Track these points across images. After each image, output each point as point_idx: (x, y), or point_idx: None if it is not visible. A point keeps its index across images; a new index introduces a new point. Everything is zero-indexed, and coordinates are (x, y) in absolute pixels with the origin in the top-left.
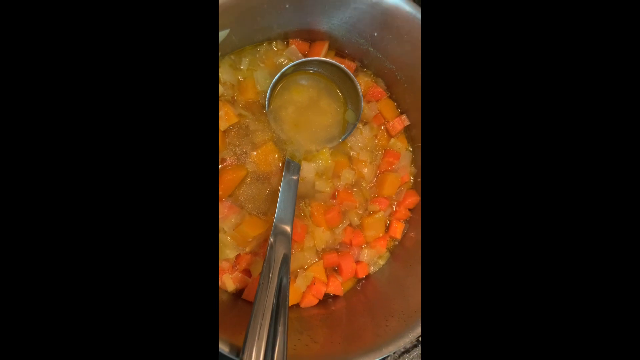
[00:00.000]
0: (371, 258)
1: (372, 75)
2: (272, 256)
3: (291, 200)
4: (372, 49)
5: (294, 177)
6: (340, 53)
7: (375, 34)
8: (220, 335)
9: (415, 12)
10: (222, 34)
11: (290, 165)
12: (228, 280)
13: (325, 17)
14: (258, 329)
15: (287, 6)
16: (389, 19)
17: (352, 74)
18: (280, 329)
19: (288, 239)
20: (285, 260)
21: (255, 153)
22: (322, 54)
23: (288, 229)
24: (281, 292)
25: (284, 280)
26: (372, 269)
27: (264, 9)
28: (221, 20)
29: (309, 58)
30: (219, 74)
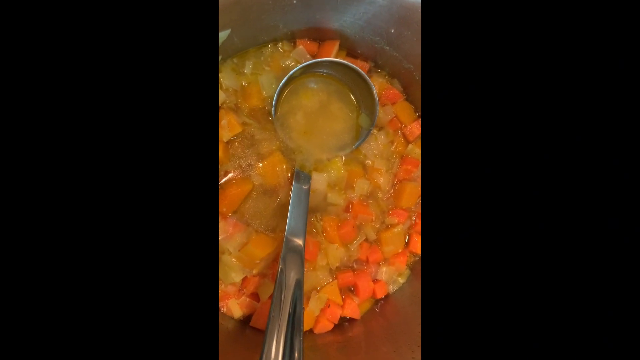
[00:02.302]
0: (390, 276)
1: (386, 76)
2: (283, 280)
3: (303, 210)
4: (387, 48)
5: (305, 187)
6: (352, 53)
7: (392, 31)
8: None
9: None
10: (222, 35)
11: (300, 176)
12: (234, 306)
13: (337, 14)
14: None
15: (294, 2)
16: (408, 13)
17: (366, 76)
18: (296, 354)
19: (300, 257)
20: (299, 284)
21: (261, 164)
22: (332, 55)
23: (300, 242)
24: (295, 321)
25: (298, 307)
26: (392, 288)
27: (268, 5)
28: (221, 20)
29: (319, 59)
30: (220, 80)
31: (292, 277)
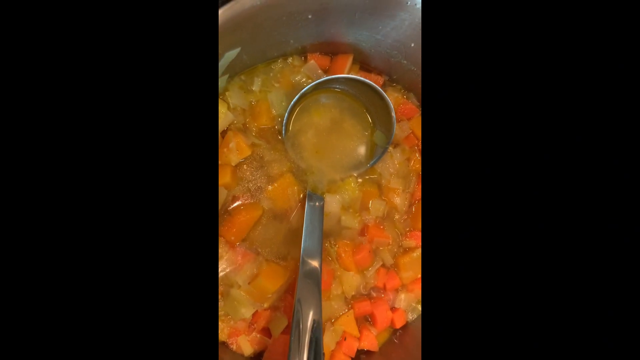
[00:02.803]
0: (409, 304)
1: (402, 90)
2: (300, 319)
3: (318, 231)
4: (405, 62)
5: (317, 204)
6: (365, 67)
7: (412, 45)
8: None
9: None
10: (232, 54)
11: (313, 198)
12: (244, 343)
13: (353, 28)
14: None
15: (309, 16)
16: None
17: (384, 93)
18: None
19: (318, 286)
20: (317, 325)
21: (271, 187)
22: (345, 70)
23: (317, 266)
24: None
25: (318, 342)
26: (411, 317)
27: (282, 21)
28: (232, 38)
29: (333, 76)
30: (228, 99)
31: (309, 317)
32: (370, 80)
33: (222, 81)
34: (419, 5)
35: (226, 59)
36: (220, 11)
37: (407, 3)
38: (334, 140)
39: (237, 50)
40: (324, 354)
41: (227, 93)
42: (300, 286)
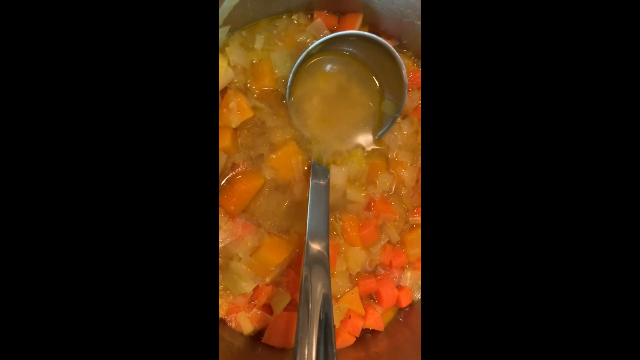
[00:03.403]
0: (415, 282)
1: (412, 57)
2: (309, 290)
3: (323, 209)
4: (418, 22)
5: (322, 182)
6: (374, 29)
7: None
8: None
9: None
10: (231, 1)
11: (318, 170)
12: (244, 321)
13: None
14: None
15: None
16: None
17: (397, 55)
18: None
19: (325, 268)
20: (327, 299)
21: (274, 156)
22: (355, 29)
23: (324, 250)
24: (327, 334)
25: (328, 329)
26: (417, 296)
27: None
28: None
29: (342, 32)
30: (228, 55)
31: (319, 289)
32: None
33: (222, 33)
34: None
35: (225, 6)
36: None
37: None
38: (341, 109)
39: None
40: (334, 326)
41: (227, 49)
42: (307, 262)
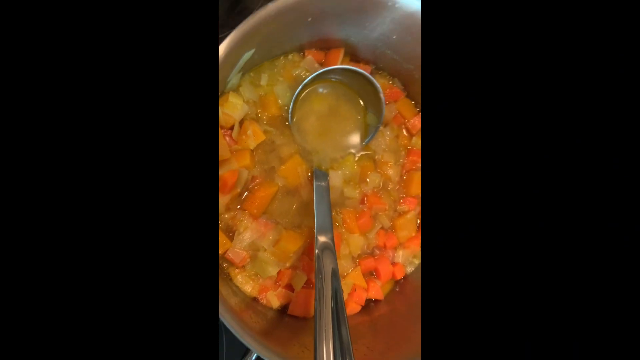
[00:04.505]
0: (406, 258)
1: (387, 76)
2: (321, 268)
3: (326, 207)
4: (389, 52)
5: (323, 184)
6: (354, 58)
7: (394, 37)
8: (274, 349)
9: None
10: (248, 55)
11: (319, 175)
12: (272, 298)
13: (343, 26)
14: (324, 333)
15: (309, 19)
16: (409, 21)
17: (374, 80)
18: (343, 332)
19: (332, 252)
20: (335, 274)
21: (283, 167)
22: (338, 61)
23: (330, 240)
24: (338, 299)
25: (339, 299)
26: (409, 270)
27: (288, 24)
28: (249, 42)
29: (329, 68)
30: (241, 93)
31: (328, 266)
32: (359, 68)
33: (237, 78)
34: (398, 5)
35: (243, 59)
36: (242, 23)
37: (389, 3)
38: (333, 124)
39: (253, 50)
40: (343, 295)
41: (240, 88)
42: (317, 249)
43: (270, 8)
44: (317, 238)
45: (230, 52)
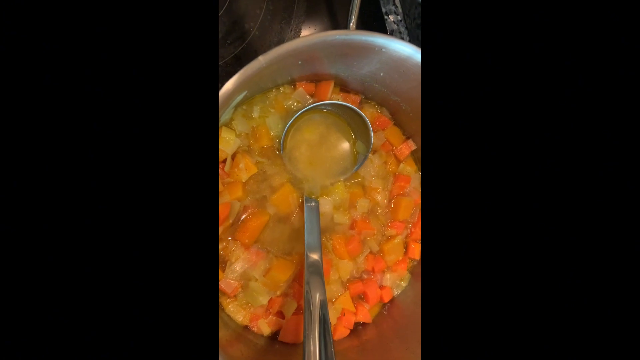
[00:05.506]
0: (394, 281)
1: (376, 106)
2: (310, 300)
3: (316, 225)
4: (377, 85)
5: (314, 204)
6: (344, 89)
7: (382, 74)
8: None
9: None
10: (240, 97)
11: (308, 198)
12: (263, 325)
13: (333, 65)
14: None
15: (299, 62)
16: (398, 64)
17: (361, 112)
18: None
19: (320, 275)
20: (323, 304)
21: (275, 196)
22: (329, 94)
23: (319, 258)
24: (326, 338)
25: (326, 326)
26: (396, 292)
27: (279, 70)
28: (242, 87)
29: (320, 102)
30: (234, 126)
31: (317, 297)
32: (348, 98)
33: (229, 113)
34: (385, 50)
35: (235, 101)
36: (236, 75)
37: (376, 49)
38: (323, 152)
39: (245, 93)
40: (330, 323)
41: (233, 122)
42: (307, 275)
43: (261, 60)
44: (306, 255)
45: (226, 99)
